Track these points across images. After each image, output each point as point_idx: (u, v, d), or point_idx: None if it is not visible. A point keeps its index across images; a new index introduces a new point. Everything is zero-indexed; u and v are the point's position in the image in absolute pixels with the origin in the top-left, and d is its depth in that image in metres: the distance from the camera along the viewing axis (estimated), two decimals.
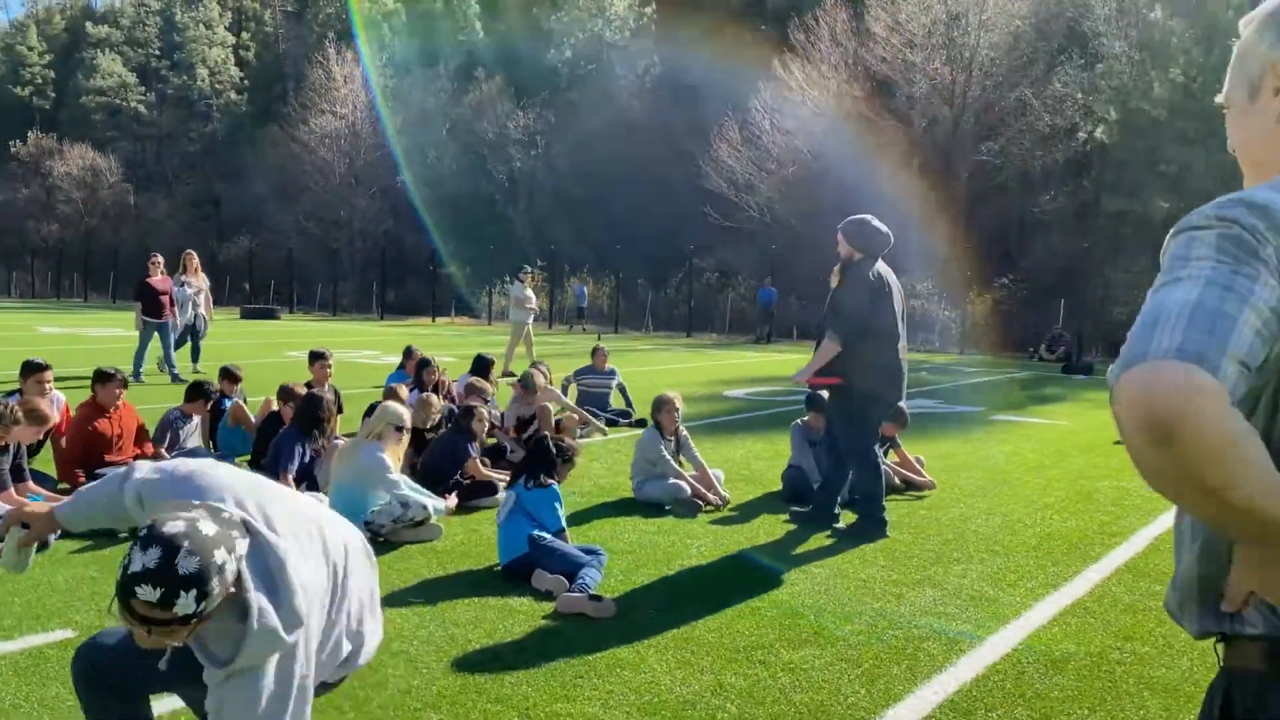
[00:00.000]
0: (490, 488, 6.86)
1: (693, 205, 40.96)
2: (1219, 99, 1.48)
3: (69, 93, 79.36)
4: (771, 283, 29.66)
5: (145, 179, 74.95)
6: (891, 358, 6.17)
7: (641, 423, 10.79)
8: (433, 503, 5.96)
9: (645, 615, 4.73)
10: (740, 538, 6.27)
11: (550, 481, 5.47)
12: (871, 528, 6.28)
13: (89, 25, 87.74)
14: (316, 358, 8.55)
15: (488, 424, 7.29)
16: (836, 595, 5.11)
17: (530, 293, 16.94)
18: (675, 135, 46.50)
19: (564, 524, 5.48)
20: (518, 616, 4.67)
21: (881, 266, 6.27)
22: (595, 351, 11.16)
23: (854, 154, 40.46)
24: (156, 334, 13.88)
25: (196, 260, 15.34)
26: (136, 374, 13.00)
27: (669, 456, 7.05)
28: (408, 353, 9.91)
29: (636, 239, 45.33)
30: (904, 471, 7.75)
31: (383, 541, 5.82)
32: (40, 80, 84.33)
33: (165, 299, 13.96)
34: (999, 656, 4.31)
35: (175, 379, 13.19)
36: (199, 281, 15.16)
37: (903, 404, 7.56)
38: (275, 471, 6.36)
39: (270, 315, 34.00)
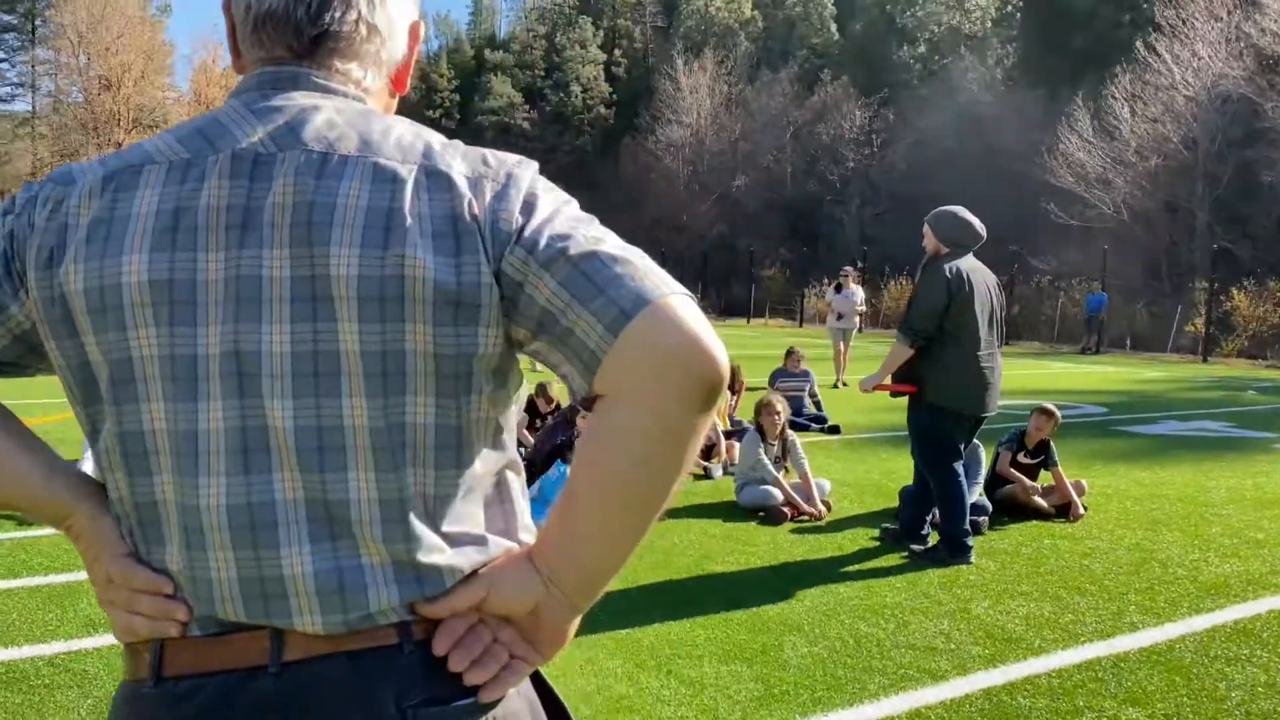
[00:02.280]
0: None
1: (1035, 203, 38.29)
2: None
3: (470, 114, 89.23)
4: (1103, 287, 26.76)
5: None
6: (970, 366, 5.56)
7: (836, 429, 10.46)
8: None
9: (597, 614, 4.69)
10: (798, 550, 5.95)
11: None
12: (951, 552, 5.71)
13: (487, 51, 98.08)
14: None
15: None
16: (827, 616, 4.74)
17: (853, 296, 15.04)
18: (1023, 128, 43.69)
19: None
20: None
21: (967, 263, 5.68)
22: (789, 353, 10.89)
23: (1234, 141, 35.75)
24: None
25: None
26: None
27: (766, 461, 6.82)
28: None
29: None
30: (1016, 481, 6.91)
31: None
32: (448, 104, 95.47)
33: None
34: (906, 708, 3.84)
35: None
36: None
37: (1050, 405, 6.88)
38: None
39: None
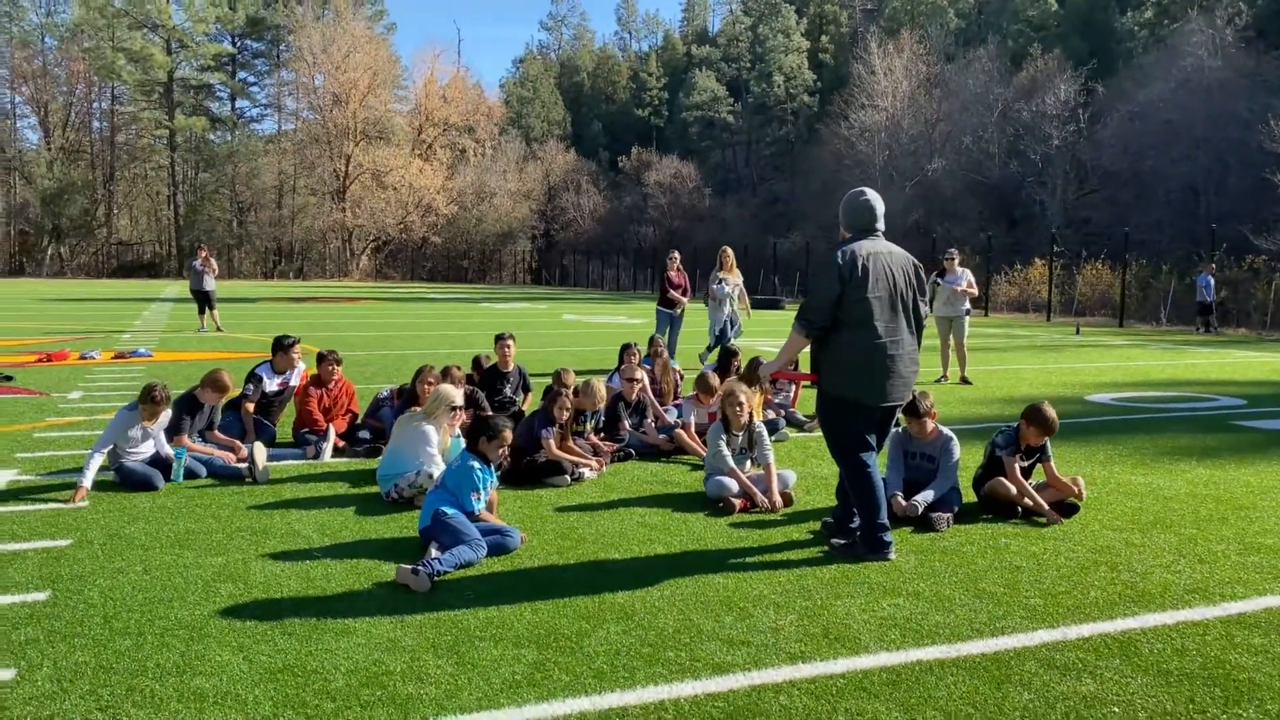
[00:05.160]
0: (558, 468, 7.16)
1: (1264, 176, 34.70)
2: None
3: (676, 109, 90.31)
4: None
5: (732, 182, 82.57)
6: (869, 354, 5.27)
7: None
8: (439, 473, 6.47)
9: (460, 596, 4.82)
10: (717, 540, 5.83)
11: (475, 463, 5.68)
12: (868, 548, 5.44)
13: (694, 47, 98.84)
14: (498, 339, 9.43)
15: (571, 412, 7.53)
16: (669, 605, 4.66)
17: (958, 280, 13.72)
18: (1255, 94, 39.73)
19: (476, 506, 5.65)
20: (357, 578, 5.06)
21: (868, 247, 5.38)
22: None
23: None
24: (669, 324, 14.79)
25: (732, 257, 14.98)
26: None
27: (726, 453, 6.70)
28: (625, 347, 10.19)
29: (1185, 217, 39.60)
30: (1029, 493, 6.38)
31: (404, 501, 6.52)
32: (656, 101, 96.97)
33: (678, 293, 14.85)
34: (653, 699, 3.75)
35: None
36: (734, 278, 14.77)
37: (1044, 405, 6.39)
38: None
39: (775, 305, 35.87)
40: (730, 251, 15.10)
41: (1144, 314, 29.53)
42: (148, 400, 7.02)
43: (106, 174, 74.70)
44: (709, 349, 14.93)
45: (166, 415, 7.32)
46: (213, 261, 21.77)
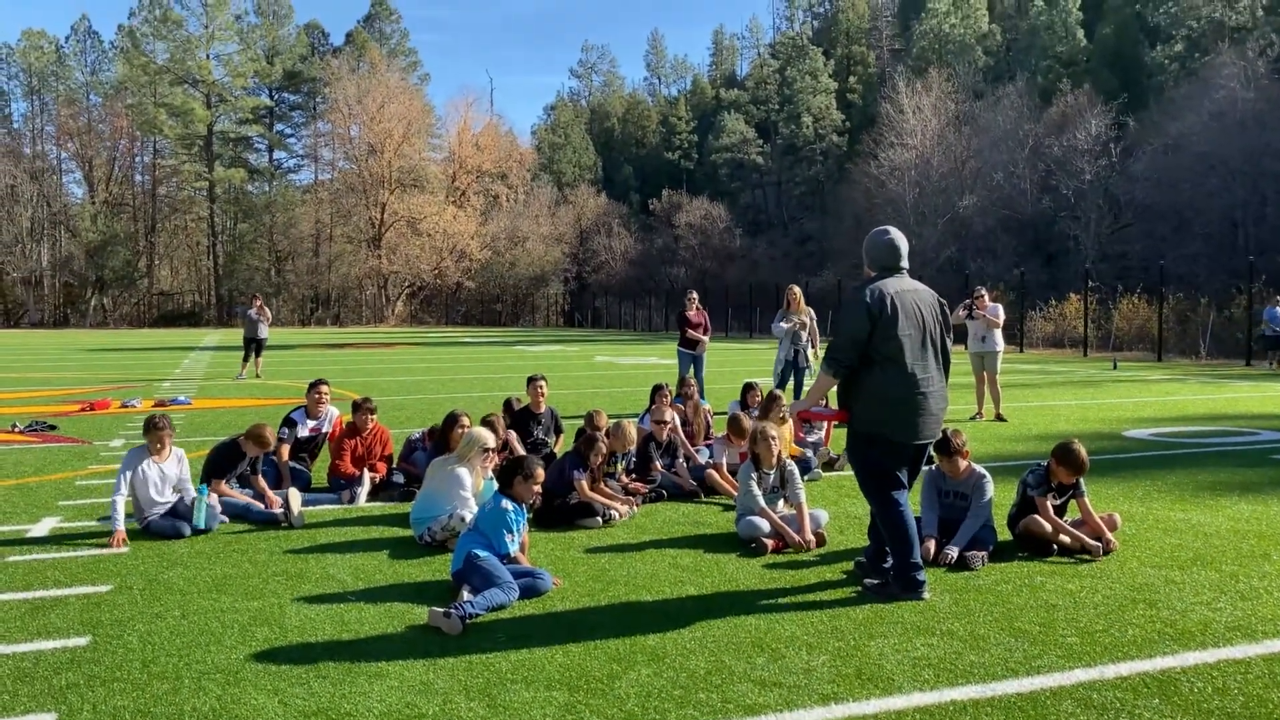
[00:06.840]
0: (590, 510, 7.18)
1: None
2: None
3: (705, 152, 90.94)
4: None
5: (763, 222, 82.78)
6: (898, 392, 5.27)
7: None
8: (472, 516, 6.51)
9: (492, 639, 4.83)
10: (749, 581, 5.81)
11: (508, 505, 5.72)
12: (901, 587, 5.40)
13: (722, 91, 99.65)
14: (530, 381, 9.50)
15: (604, 455, 7.54)
16: (701, 647, 4.65)
17: (984, 314, 13.39)
18: None
19: (510, 548, 5.67)
20: (390, 621, 5.10)
21: (894, 285, 5.40)
22: None
23: None
24: (692, 364, 14.66)
25: (799, 295, 14.02)
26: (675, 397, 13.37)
27: (756, 492, 6.69)
28: (656, 388, 10.18)
29: (1223, 250, 39.20)
30: (1065, 529, 6.31)
31: (437, 544, 6.57)
32: (686, 144, 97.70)
33: (697, 332, 14.81)
34: None
35: None
36: (802, 316, 13.85)
37: (1074, 443, 6.33)
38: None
39: None
40: (798, 289, 14.24)
41: (1183, 348, 29.15)
42: (150, 430, 7.06)
43: (148, 226, 76.34)
44: (784, 384, 13.79)
45: (176, 451, 7.27)
46: (267, 310, 22.31)
